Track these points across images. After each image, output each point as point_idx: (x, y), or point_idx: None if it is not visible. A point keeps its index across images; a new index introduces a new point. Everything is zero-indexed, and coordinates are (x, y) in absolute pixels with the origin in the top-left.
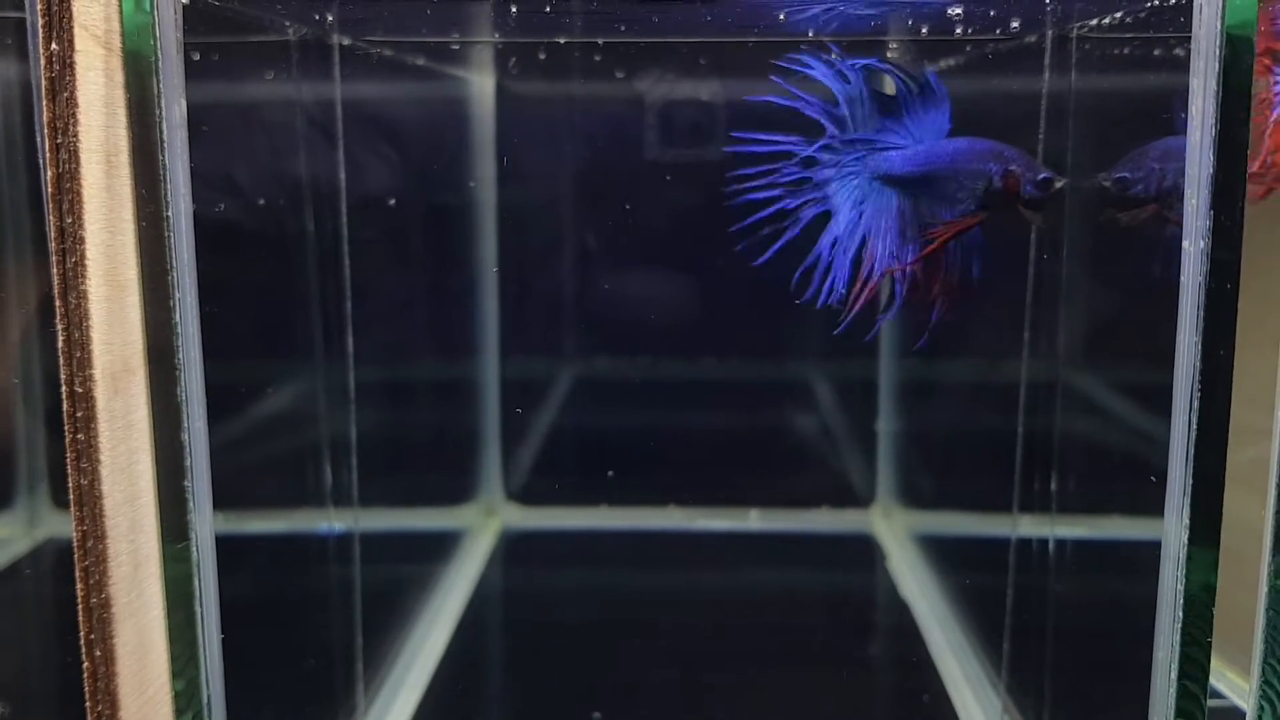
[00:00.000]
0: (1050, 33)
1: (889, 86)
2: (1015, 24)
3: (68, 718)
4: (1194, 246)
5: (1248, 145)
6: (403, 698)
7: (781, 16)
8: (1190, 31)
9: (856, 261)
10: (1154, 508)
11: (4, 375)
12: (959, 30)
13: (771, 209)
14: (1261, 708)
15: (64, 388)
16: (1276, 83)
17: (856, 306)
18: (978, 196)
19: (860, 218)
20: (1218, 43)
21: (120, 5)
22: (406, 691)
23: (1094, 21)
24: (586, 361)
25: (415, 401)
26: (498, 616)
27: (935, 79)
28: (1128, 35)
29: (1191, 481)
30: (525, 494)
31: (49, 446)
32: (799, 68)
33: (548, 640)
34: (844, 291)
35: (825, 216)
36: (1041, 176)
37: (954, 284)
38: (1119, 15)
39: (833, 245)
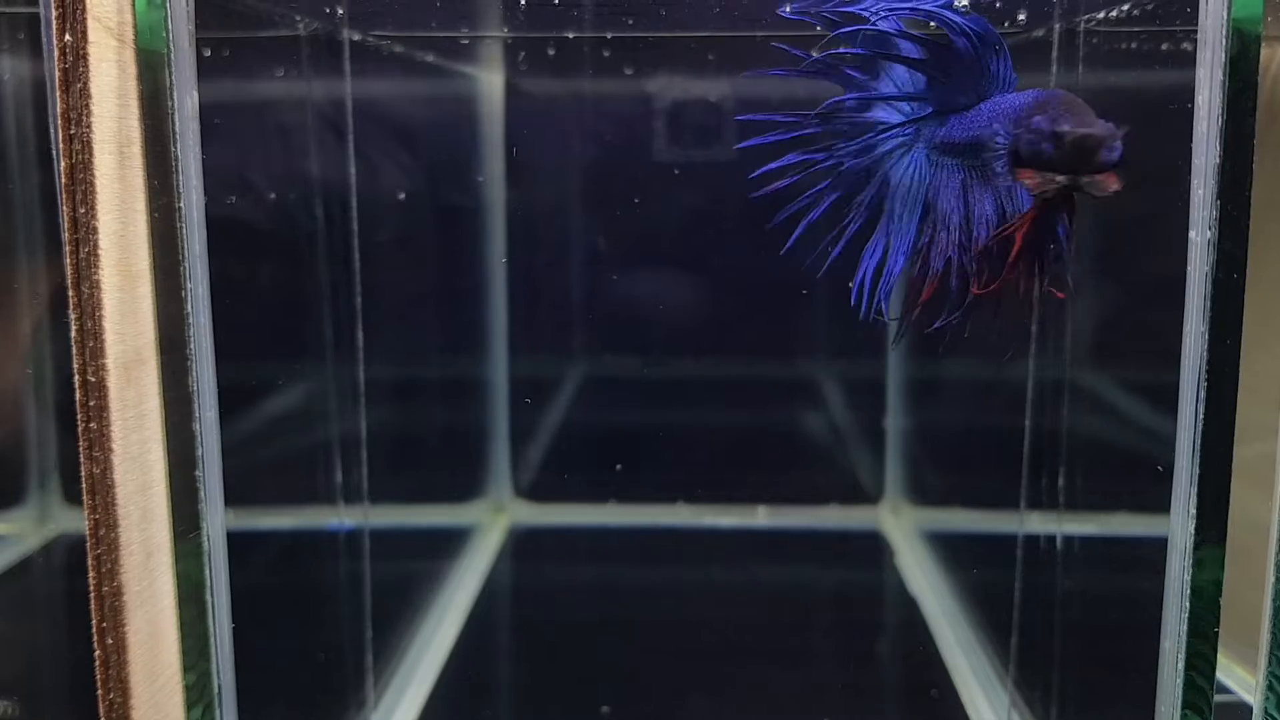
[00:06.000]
0: (1058, 26)
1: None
2: (1022, 17)
3: (76, 713)
4: (1200, 237)
5: (1254, 136)
6: (412, 691)
7: (787, 9)
8: (1196, 24)
9: (915, 258)
10: (1161, 503)
11: (15, 373)
12: None
13: (819, 209)
14: (1268, 700)
15: (77, 377)
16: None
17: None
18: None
19: (913, 202)
20: (1224, 34)
21: None
22: (416, 685)
23: (1101, 15)
24: (595, 359)
25: (424, 398)
26: (506, 612)
27: (982, 23)
28: (1135, 29)
29: (1199, 472)
30: (534, 490)
31: (60, 443)
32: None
33: (555, 636)
34: (887, 295)
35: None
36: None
37: (1033, 278)
38: (1126, 8)
39: (883, 246)
